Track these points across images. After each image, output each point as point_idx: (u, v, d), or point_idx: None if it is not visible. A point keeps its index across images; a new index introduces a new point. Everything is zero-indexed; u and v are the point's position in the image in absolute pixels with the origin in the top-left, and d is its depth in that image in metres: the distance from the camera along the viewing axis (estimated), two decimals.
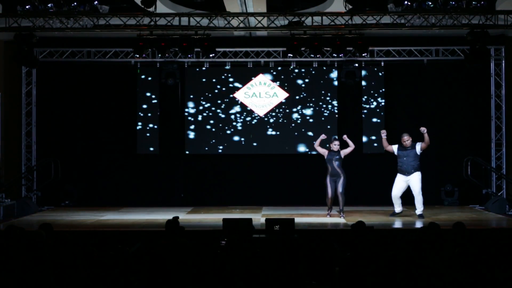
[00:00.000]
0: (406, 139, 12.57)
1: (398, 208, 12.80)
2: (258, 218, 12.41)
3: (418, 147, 12.53)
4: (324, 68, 15.41)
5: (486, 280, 6.12)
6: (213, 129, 15.47)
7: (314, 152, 15.25)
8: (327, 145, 13.01)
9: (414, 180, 12.55)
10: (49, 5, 11.95)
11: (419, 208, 12.54)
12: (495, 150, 15.15)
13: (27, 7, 12.02)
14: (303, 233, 10.47)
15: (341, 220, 12.38)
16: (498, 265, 6.24)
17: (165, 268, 7.28)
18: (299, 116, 15.44)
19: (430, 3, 11.93)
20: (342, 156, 12.75)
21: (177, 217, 7.96)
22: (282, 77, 15.50)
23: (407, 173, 12.59)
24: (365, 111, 15.33)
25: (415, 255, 6.75)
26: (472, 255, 6.43)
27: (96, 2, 12.05)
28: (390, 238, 9.01)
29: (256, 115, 15.45)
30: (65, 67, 15.42)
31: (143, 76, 15.48)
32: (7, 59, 14.63)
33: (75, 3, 11.97)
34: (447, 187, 15.08)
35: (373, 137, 15.17)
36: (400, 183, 12.70)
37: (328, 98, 15.42)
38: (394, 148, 12.72)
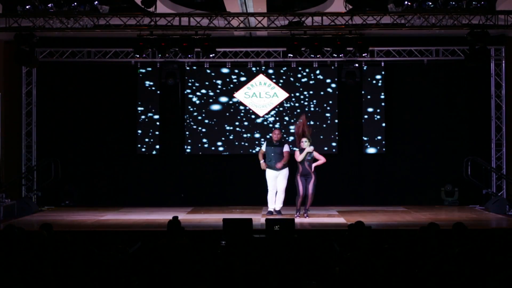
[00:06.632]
0: (277, 133, 13.06)
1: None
2: (258, 218, 12.41)
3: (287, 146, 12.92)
4: (324, 68, 15.41)
5: (486, 280, 6.12)
6: (213, 129, 15.46)
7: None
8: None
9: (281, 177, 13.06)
10: (49, 5, 11.92)
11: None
12: (495, 150, 15.14)
13: (27, 7, 12.00)
14: (303, 233, 10.47)
15: (341, 220, 12.38)
16: (498, 265, 6.23)
17: (165, 268, 7.28)
18: (299, 116, 15.42)
19: (430, 3, 11.92)
20: (315, 157, 12.76)
21: (177, 217, 7.97)
22: (282, 77, 15.49)
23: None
24: (367, 110, 15.32)
25: (415, 255, 6.76)
26: (472, 255, 6.43)
27: (96, 2, 12.02)
28: (390, 238, 9.01)
29: (256, 115, 15.46)
30: (65, 67, 15.41)
31: (143, 76, 15.49)
32: (7, 59, 14.63)
33: (75, 3, 11.96)
34: (447, 187, 15.08)
35: (374, 137, 15.18)
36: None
37: (328, 98, 15.42)
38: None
